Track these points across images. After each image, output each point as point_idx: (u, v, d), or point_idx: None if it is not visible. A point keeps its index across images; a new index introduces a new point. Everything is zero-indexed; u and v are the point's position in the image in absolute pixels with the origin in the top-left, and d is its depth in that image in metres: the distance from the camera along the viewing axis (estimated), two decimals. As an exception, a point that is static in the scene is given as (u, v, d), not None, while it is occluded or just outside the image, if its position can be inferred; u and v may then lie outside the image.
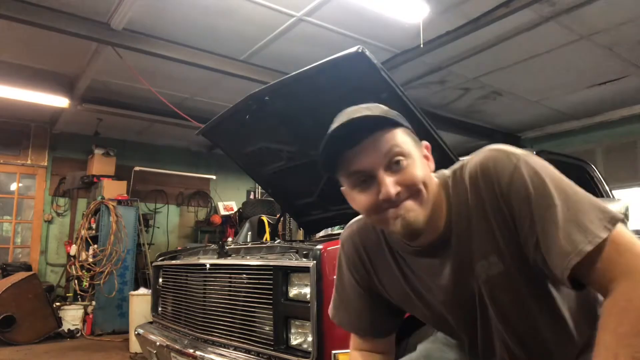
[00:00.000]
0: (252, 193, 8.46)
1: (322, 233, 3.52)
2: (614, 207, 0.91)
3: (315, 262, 1.73)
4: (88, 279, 5.83)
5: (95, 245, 5.94)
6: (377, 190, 0.89)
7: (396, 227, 0.90)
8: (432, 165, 0.97)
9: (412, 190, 0.89)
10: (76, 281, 6.02)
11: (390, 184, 0.87)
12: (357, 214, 1.05)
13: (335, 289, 1.20)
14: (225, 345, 2.09)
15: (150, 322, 2.99)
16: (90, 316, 5.71)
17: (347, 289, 1.17)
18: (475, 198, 0.92)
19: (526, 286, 0.94)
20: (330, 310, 1.21)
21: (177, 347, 2.24)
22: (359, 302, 1.15)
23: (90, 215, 6.24)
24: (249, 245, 2.46)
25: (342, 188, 1.00)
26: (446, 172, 1.00)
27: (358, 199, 0.93)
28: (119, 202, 6.15)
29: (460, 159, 1.04)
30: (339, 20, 3.92)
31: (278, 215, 3.95)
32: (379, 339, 1.18)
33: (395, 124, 0.92)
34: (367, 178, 0.90)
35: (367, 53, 1.77)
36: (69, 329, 5.49)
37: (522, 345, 1.00)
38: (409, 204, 0.89)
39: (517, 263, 0.91)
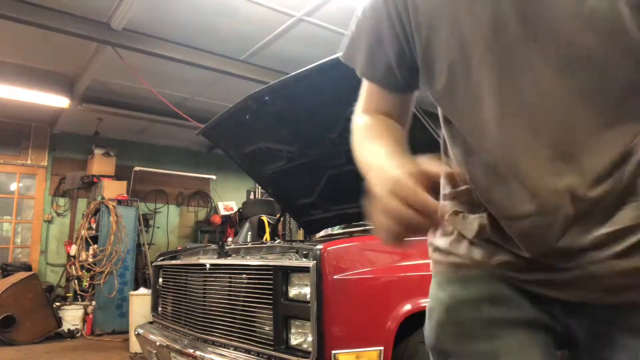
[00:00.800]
0: (252, 193, 8.46)
1: (322, 233, 3.52)
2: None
3: (315, 262, 1.73)
4: (88, 279, 5.83)
5: (95, 245, 5.94)
6: None
7: None
8: None
9: None
10: (76, 281, 6.02)
11: None
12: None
13: (355, 26, 0.86)
14: (225, 345, 2.09)
15: (150, 322, 2.99)
16: (90, 316, 5.71)
17: (372, 16, 0.81)
18: None
19: None
20: (344, 53, 0.88)
21: (177, 347, 2.24)
22: (384, 30, 0.79)
23: (90, 215, 6.24)
24: (249, 245, 2.46)
25: None
26: None
27: None
28: (119, 202, 6.15)
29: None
30: (339, 20, 3.92)
31: (278, 215, 3.95)
32: (395, 93, 0.85)
33: None
34: None
35: (367, 53, 1.77)
36: (69, 329, 5.49)
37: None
38: None
39: None
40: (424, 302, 1.23)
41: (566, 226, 0.67)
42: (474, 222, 0.79)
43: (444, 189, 0.87)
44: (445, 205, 0.85)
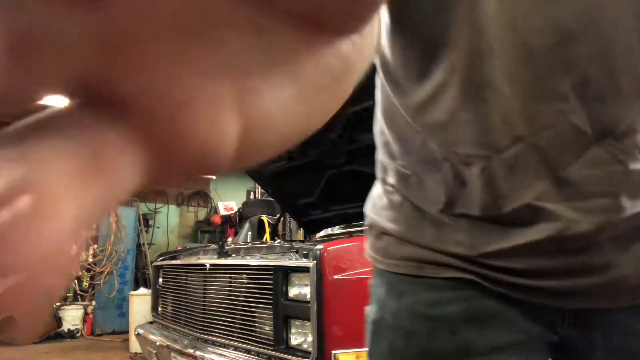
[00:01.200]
0: (252, 193, 8.46)
1: (322, 233, 3.52)
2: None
3: (315, 262, 1.73)
4: (88, 279, 5.83)
5: (95, 245, 5.94)
6: None
7: None
8: None
9: None
10: (76, 281, 6.02)
11: None
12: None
13: None
14: (225, 345, 2.09)
15: (150, 322, 2.99)
16: (90, 316, 5.72)
17: None
18: None
19: None
20: None
21: (177, 347, 2.24)
22: None
23: (90, 215, 6.24)
24: (249, 245, 2.47)
25: None
26: None
27: None
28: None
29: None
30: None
31: (278, 215, 3.95)
32: None
33: None
34: None
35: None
36: (69, 329, 5.49)
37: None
38: None
39: None
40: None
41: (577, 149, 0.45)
42: (437, 189, 0.51)
43: (386, 146, 0.57)
44: (386, 164, 0.57)
